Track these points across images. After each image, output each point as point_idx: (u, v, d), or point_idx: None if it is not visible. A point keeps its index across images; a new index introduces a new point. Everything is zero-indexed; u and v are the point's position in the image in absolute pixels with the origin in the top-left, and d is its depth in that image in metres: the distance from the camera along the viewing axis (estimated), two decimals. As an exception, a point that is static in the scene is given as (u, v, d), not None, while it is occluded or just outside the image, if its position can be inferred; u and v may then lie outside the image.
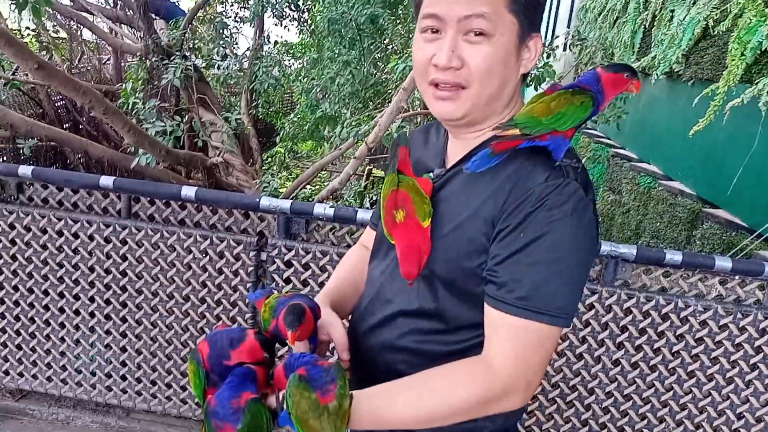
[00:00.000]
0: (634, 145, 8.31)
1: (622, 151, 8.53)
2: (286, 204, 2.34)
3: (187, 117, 4.63)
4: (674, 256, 2.19)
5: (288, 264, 2.42)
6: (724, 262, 2.18)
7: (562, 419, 2.42)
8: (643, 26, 6.82)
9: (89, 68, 8.94)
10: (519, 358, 0.93)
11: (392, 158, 1.10)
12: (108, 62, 9.08)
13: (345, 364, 1.09)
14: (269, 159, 10.66)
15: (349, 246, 2.43)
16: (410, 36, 7.85)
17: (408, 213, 1.00)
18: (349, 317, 1.26)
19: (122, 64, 8.61)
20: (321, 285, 2.42)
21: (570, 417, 2.41)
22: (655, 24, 6.43)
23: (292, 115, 8.24)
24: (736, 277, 2.25)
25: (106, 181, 2.39)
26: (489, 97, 1.01)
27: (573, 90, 0.97)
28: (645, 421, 2.37)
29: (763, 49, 3.93)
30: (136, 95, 3.53)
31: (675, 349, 2.28)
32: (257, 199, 2.36)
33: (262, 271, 2.48)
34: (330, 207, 2.30)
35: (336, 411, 0.87)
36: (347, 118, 4.24)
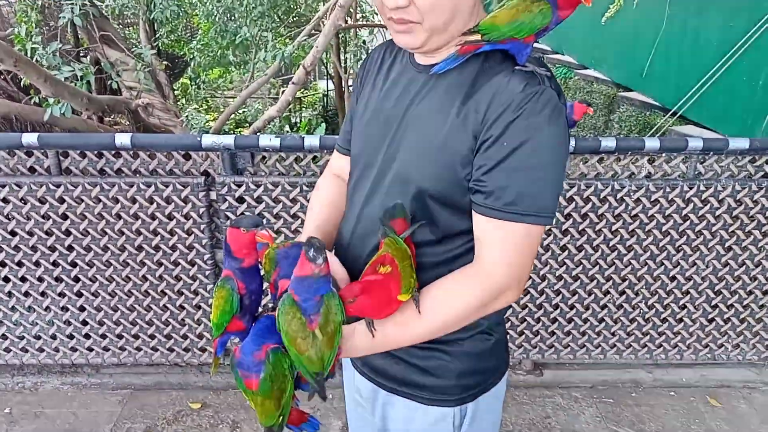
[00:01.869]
0: (547, 38, 8.47)
1: (536, 45, 8.69)
2: (229, 140, 2.28)
3: (89, 58, 4.29)
4: (608, 142, 2.32)
5: (240, 200, 2.40)
6: (652, 143, 2.34)
7: (519, 306, 2.61)
8: None
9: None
10: (510, 258, 1.01)
11: (386, 223, 1.07)
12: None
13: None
14: (178, 92, 10.11)
15: (297, 174, 2.42)
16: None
17: (392, 275, 0.97)
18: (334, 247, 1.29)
19: (-4, 5, 7.72)
20: (276, 217, 2.42)
21: (527, 303, 2.61)
22: None
23: (195, 43, 7.77)
24: (663, 155, 2.43)
25: (30, 138, 2.23)
26: (444, 24, 1.01)
27: None
28: (592, 297, 2.60)
29: (666, -72, 4.02)
30: (32, 40, 3.21)
31: (614, 228, 2.48)
32: (198, 138, 2.28)
33: (213, 210, 2.44)
34: (276, 137, 2.26)
35: (322, 339, 0.92)
36: (268, 41, 4.05)
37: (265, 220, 2.42)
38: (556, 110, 0.99)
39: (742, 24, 3.57)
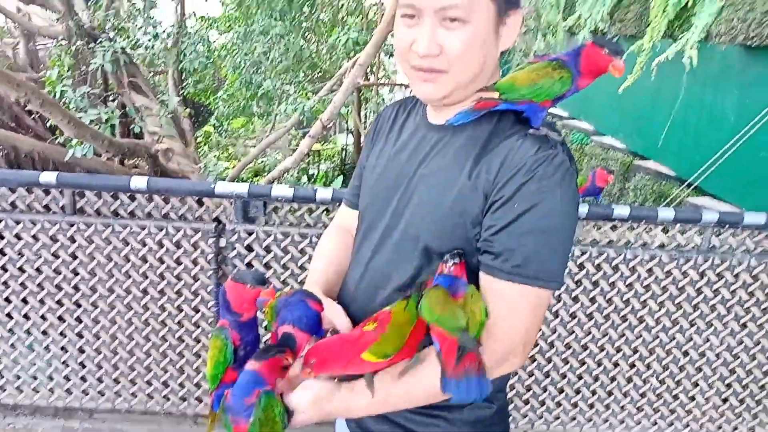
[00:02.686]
0: (565, 103, 8.59)
1: (553, 110, 8.81)
2: (243, 188, 2.30)
3: (116, 102, 4.42)
4: (622, 210, 2.30)
5: (249, 248, 2.40)
6: (666, 213, 2.32)
7: (525, 373, 2.54)
8: (567, -14, 6.96)
9: (-1, 55, 8.31)
10: (516, 323, 0.98)
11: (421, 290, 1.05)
12: (17, 47, 8.47)
13: None
14: (201, 139, 10.36)
15: (308, 226, 2.42)
16: (340, 5, 7.74)
17: (369, 334, 0.97)
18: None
19: (34, 48, 8.06)
20: (284, 267, 2.41)
21: (533, 371, 2.53)
22: (579, -17, 6.58)
23: (221, 93, 8.00)
24: (677, 225, 2.40)
25: (48, 177, 2.27)
26: (469, 78, 1.03)
27: (555, 63, 1.00)
28: (601, 368, 2.52)
29: (683, 4, 4.12)
30: (63, 82, 3.32)
31: (626, 297, 2.42)
32: (212, 185, 2.31)
33: (221, 258, 2.44)
34: (289, 187, 2.28)
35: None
36: (290, 95, 4.16)
37: (272, 270, 2.41)
38: (567, 175, 0.99)
39: (759, 99, 3.60)
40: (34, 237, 2.38)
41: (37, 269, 2.42)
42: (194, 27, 8.54)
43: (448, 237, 1.05)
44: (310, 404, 0.96)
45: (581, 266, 2.39)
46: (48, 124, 3.70)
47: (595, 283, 2.41)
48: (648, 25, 4.53)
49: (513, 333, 0.99)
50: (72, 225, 2.36)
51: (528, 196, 0.96)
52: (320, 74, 8.77)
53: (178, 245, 2.39)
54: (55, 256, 2.40)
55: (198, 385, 2.57)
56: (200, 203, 2.43)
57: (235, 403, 0.93)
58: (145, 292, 2.45)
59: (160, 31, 5.04)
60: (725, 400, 2.55)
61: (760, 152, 3.53)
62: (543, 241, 0.97)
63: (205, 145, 9.11)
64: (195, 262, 2.41)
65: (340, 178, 10.59)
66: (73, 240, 2.38)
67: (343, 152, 15.39)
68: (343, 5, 7.15)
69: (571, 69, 1.00)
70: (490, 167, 1.01)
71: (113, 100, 4.51)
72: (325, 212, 2.43)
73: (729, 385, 2.53)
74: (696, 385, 2.53)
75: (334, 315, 1.12)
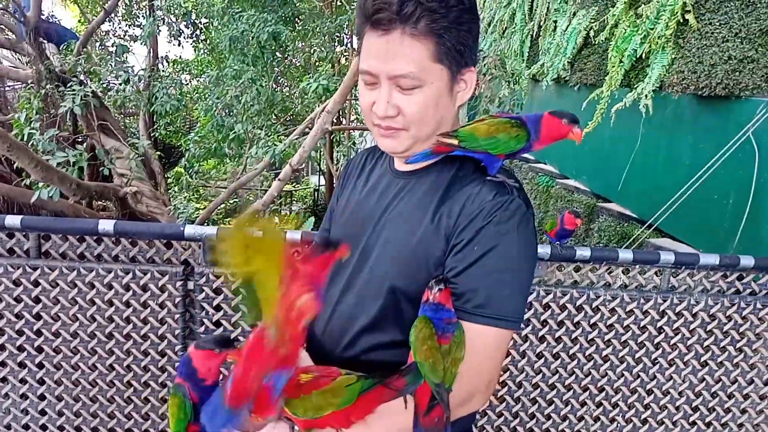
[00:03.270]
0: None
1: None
2: (212, 230, 2.31)
3: (85, 145, 4.41)
4: (583, 252, 2.38)
5: (217, 291, 2.39)
6: (625, 254, 2.40)
7: (495, 414, 2.55)
8: (530, 36, 7.28)
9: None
10: (479, 362, 1.02)
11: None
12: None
13: None
14: (171, 181, 10.30)
15: (278, 267, 2.43)
16: (312, 51, 7.92)
17: (295, 384, 0.95)
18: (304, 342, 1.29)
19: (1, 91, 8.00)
20: (253, 309, 2.41)
21: (502, 411, 2.54)
22: (541, 34, 6.89)
23: (193, 135, 8.03)
24: (637, 266, 2.48)
25: (13, 220, 2.25)
26: (427, 134, 1.10)
27: (514, 122, 1.07)
28: (569, 407, 2.55)
29: (638, 55, 4.35)
30: (31, 125, 3.32)
31: (590, 337, 2.48)
32: (181, 228, 2.31)
33: (189, 300, 2.43)
34: (258, 230, 2.29)
35: None
36: (260, 138, 4.21)
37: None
38: (524, 218, 1.04)
39: (711, 146, 3.78)
40: (-3, 281, 2.34)
41: (-2, 314, 2.37)
42: (166, 70, 8.61)
43: (413, 277, 1.09)
44: None
45: (546, 306, 2.44)
46: (15, 166, 3.67)
47: (560, 323, 2.46)
48: (606, 75, 4.75)
49: (477, 373, 1.02)
50: (36, 269, 2.33)
51: (487, 239, 1.01)
52: (292, 117, 8.88)
53: (145, 288, 2.37)
54: (17, 300, 2.36)
55: (163, 432, 2.51)
56: (168, 246, 2.42)
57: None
58: (110, 336, 2.41)
59: (132, 75, 5.08)
60: (689, 438, 2.59)
61: (713, 195, 3.69)
62: (502, 281, 1.02)
63: (175, 186, 9.07)
64: (162, 306, 2.39)
65: (312, 219, 10.61)
66: (36, 284, 2.35)
67: (316, 193, 15.47)
68: (315, 51, 7.32)
69: (529, 130, 1.07)
70: (451, 212, 1.06)
71: (82, 143, 4.50)
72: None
73: (693, 423, 2.58)
74: (661, 423, 2.57)
75: (300, 358, 1.14)
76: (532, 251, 1.06)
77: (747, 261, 2.39)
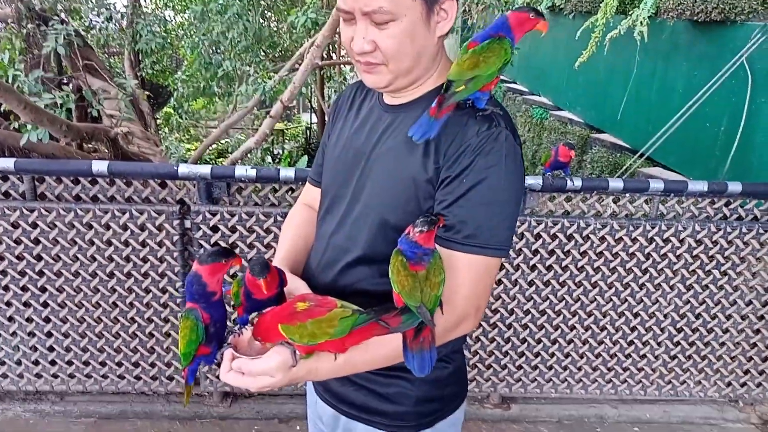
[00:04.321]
0: (524, 79, 8.71)
1: (514, 86, 8.93)
2: (206, 169, 2.32)
3: (71, 86, 4.32)
4: (574, 181, 2.41)
5: (214, 229, 2.43)
6: (616, 183, 2.44)
7: (487, 339, 2.65)
8: (524, -38, 7.02)
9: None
10: (469, 289, 1.06)
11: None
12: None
13: None
14: (161, 121, 10.15)
15: (273, 205, 2.46)
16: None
17: (290, 310, 1.00)
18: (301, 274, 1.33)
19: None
20: (250, 246, 2.45)
21: (494, 337, 2.65)
22: (535, -40, 6.66)
23: (180, 74, 7.85)
24: (627, 195, 2.52)
25: (6, 163, 2.25)
26: (407, 67, 1.09)
27: (491, 40, 1.07)
28: (558, 331, 2.65)
29: (634, -19, 4.24)
30: (15, 67, 3.24)
31: (580, 264, 2.55)
32: (175, 167, 2.32)
33: (187, 239, 2.47)
34: (251, 168, 2.31)
35: None
36: (250, 75, 4.13)
37: (238, 249, 2.45)
38: (511, 150, 1.06)
39: (705, 73, 3.75)
40: (-5, 223, 2.36)
41: None
42: (149, 6, 8.31)
43: (402, 210, 1.12)
44: (277, 369, 1.01)
45: (538, 236, 2.50)
46: (1, 110, 3.62)
47: (551, 252, 2.52)
48: (601, 2, 4.64)
49: (467, 299, 1.07)
50: (33, 211, 2.35)
51: (476, 171, 1.04)
52: (281, 53, 8.67)
53: (142, 228, 2.41)
54: (17, 242, 2.39)
55: (168, 364, 2.61)
56: (163, 186, 2.44)
57: (186, 297, 1.06)
58: (111, 275, 2.46)
59: (114, 12, 4.91)
60: (673, 357, 2.72)
61: (705, 123, 3.69)
62: (491, 212, 1.05)
63: (165, 126, 8.93)
64: (160, 244, 2.43)
65: (305, 157, 10.55)
66: (35, 226, 2.37)
67: (308, 131, 15.30)
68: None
69: (508, 38, 1.07)
70: (439, 146, 1.07)
71: (67, 84, 4.41)
72: (289, 191, 2.47)
73: (677, 343, 2.69)
74: (647, 344, 2.69)
75: (297, 290, 1.18)
76: (519, 182, 1.08)
77: (734, 187, 2.43)
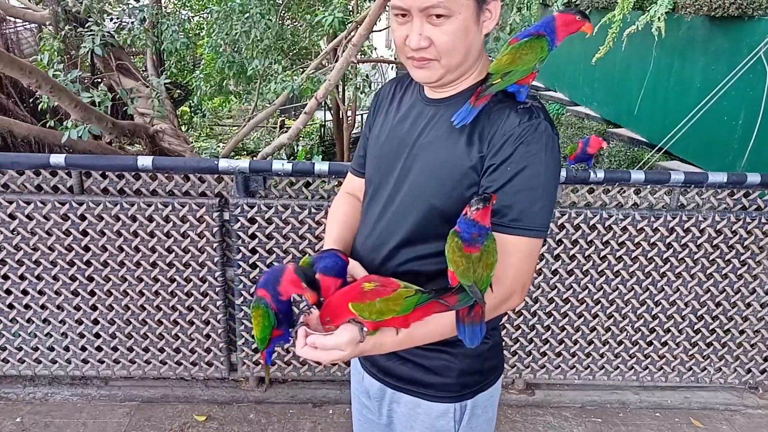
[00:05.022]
0: (540, 75, 8.76)
1: (529, 82, 8.97)
2: (244, 164, 2.44)
3: (102, 84, 4.46)
4: (597, 173, 2.50)
5: (251, 221, 2.54)
6: (637, 175, 2.52)
7: (512, 327, 2.75)
8: (540, -41, 7.08)
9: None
10: (516, 268, 1.16)
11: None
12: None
13: None
14: (183, 121, 10.32)
15: (307, 198, 2.58)
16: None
17: (360, 290, 1.09)
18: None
19: (6, 33, 7.94)
20: (285, 237, 2.57)
21: (520, 324, 2.74)
22: (551, -43, 6.71)
23: (198, 72, 8.00)
24: (648, 187, 2.61)
25: (57, 159, 2.38)
26: (458, 63, 1.20)
27: (531, 38, 1.18)
28: (581, 319, 2.74)
29: (652, -23, 4.29)
30: (54, 67, 3.38)
31: (602, 254, 2.63)
32: (215, 162, 2.44)
33: (225, 230, 2.58)
34: (288, 162, 2.42)
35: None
36: (278, 73, 4.24)
37: (274, 240, 2.56)
38: (550, 140, 1.16)
39: (722, 67, 3.81)
40: (45, 217, 2.50)
41: (50, 247, 2.54)
42: (169, 7, 8.45)
43: (448, 196, 1.23)
44: (347, 344, 1.10)
45: (561, 227, 2.59)
46: (38, 108, 3.77)
47: (575, 242, 2.61)
48: (619, -3, 4.69)
49: (513, 278, 1.17)
50: (81, 204, 2.48)
51: (519, 159, 1.14)
52: (296, 53, 8.79)
53: (183, 220, 2.53)
54: (66, 234, 2.52)
55: (208, 351, 2.73)
56: (201, 180, 2.56)
57: (259, 284, 1.15)
58: (154, 264, 2.58)
59: (145, 13, 5.05)
60: (694, 344, 2.80)
61: (723, 117, 3.75)
62: (533, 197, 1.15)
63: (186, 126, 9.10)
64: (201, 235, 2.55)
65: (320, 154, 10.69)
66: (83, 218, 2.50)
67: (321, 129, 15.43)
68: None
69: (546, 37, 1.17)
70: (483, 136, 1.18)
71: (99, 84, 4.55)
72: (321, 184, 2.59)
73: (698, 331, 2.77)
74: (668, 331, 2.77)
75: (353, 267, 1.29)
76: (558, 169, 1.19)
77: (754, 178, 2.51)
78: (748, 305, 2.73)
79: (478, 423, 1.37)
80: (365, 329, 1.12)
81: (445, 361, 1.31)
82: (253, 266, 2.59)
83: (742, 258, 2.66)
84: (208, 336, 2.70)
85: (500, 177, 1.15)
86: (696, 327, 2.77)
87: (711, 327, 2.76)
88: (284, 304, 1.17)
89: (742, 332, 2.78)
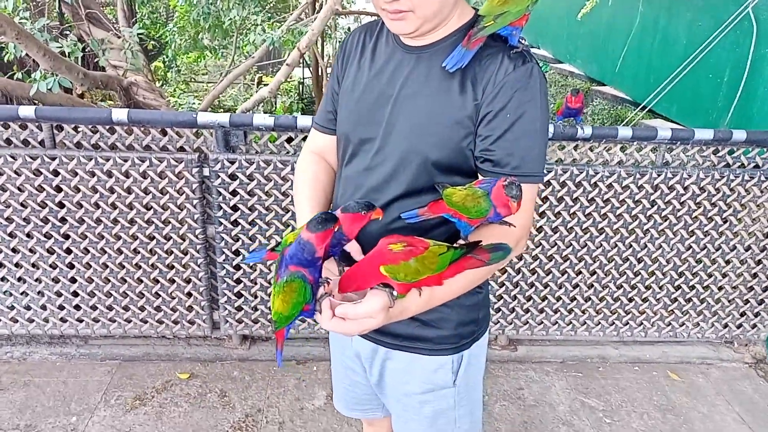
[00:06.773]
0: (524, 31, 8.63)
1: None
2: (224, 118, 2.35)
3: (72, 34, 4.26)
4: (585, 130, 2.47)
5: (232, 176, 2.47)
6: (625, 131, 2.50)
7: (496, 284, 2.75)
8: None
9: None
10: (523, 213, 1.15)
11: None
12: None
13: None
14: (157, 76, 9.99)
15: (289, 153, 2.51)
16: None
17: (389, 253, 1.02)
18: None
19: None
20: (267, 194, 2.51)
21: (504, 281, 2.75)
22: None
23: (171, 25, 7.71)
24: (634, 144, 2.59)
25: (27, 111, 2.27)
26: (434, 12, 1.14)
27: None
28: (565, 276, 2.75)
29: (641, -71, 4.18)
30: (20, 14, 3.20)
31: (588, 211, 2.63)
32: (194, 116, 2.35)
33: (205, 187, 2.51)
34: (269, 116, 2.34)
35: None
36: (257, 25, 4.08)
37: (256, 197, 2.50)
38: (542, 81, 1.14)
39: (709, 23, 3.76)
40: (16, 172, 2.40)
41: (22, 204, 2.45)
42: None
43: (444, 147, 1.18)
44: (380, 311, 1.03)
45: (547, 184, 2.57)
46: (5, 60, 3.58)
47: (560, 199, 2.60)
48: (607, -50, 4.58)
49: (521, 222, 1.16)
50: (54, 158, 2.38)
51: (516, 106, 1.11)
52: (274, 6, 8.51)
53: (161, 176, 2.45)
54: (39, 189, 2.43)
55: (189, 309, 2.69)
56: (179, 135, 2.47)
57: (283, 262, 1.04)
58: (132, 222, 2.51)
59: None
60: (674, 300, 2.84)
61: (708, 74, 3.72)
62: (532, 143, 1.13)
63: (160, 81, 8.81)
64: (180, 192, 2.48)
65: (300, 112, 10.49)
66: (56, 173, 2.41)
67: (300, 86, 15.12)
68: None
69: None
70: (477, 83, 1.13)
71: (68, 34, 4.34)
72: (304, 140, 2.51)
73: (678, 287, 2.81)
74: (649, 288, 2.80)
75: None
76: (548, 112, 1.19)
77: (739, 135, 2.50)
78: (728, 262, 2.77)
79: (472, 372, 1.37)
80: (395, 293, 1.07)
81: (443, 314, 1.29)
82: (235, 223, 2.54)
83: (724, 215, 2.68)
84: (189, 294, 2.66)
85: (500, 125, 1.12)
86: (676, 283, 2.80)
87: (691, 283, 2.80)
88: (318, 271, 1.08)
89: (720, 288, 2.83)
